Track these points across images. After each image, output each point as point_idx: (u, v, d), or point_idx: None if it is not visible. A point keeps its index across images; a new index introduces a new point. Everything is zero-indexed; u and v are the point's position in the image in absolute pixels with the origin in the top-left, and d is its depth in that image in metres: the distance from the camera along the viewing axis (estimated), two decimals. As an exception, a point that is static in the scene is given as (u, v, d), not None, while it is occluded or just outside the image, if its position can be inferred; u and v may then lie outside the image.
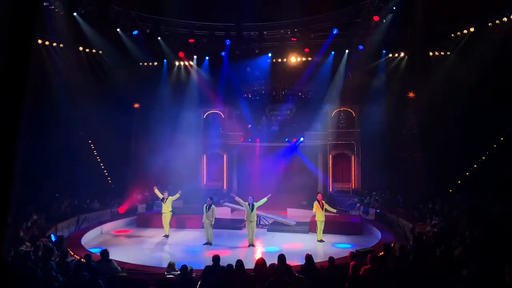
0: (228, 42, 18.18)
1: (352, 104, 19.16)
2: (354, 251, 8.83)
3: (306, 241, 12.72)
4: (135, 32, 16.95)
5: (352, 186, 18.92)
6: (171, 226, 13.44)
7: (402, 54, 18.04)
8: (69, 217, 13.99)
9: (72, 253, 10.04)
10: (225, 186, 20.13)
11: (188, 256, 10.88)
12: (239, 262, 6.81)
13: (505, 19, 14.61)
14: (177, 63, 20.12)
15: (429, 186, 15.84)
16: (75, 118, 17.21)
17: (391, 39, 16.87)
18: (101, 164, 18.83)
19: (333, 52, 18.40)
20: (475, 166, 15.93)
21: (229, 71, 19.46)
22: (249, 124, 20.28)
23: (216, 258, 7.24)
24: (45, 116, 15.49)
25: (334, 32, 17.00)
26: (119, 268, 7.77)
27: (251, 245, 12.00)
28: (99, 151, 18.95)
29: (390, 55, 18.18)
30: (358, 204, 16.22)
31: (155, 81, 19.45)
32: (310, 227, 13.63)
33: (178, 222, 14.24)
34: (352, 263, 6.98)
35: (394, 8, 15.37)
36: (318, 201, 12.73)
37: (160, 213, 13.46)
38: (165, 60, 19.66)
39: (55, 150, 15.70)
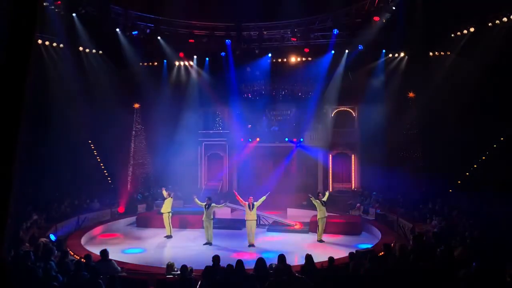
0: (228, 42, 18.18)
1: (352, 104, 19.16)
2: (354, 251, 8.83)
3: (306, 241, 12.72)
4: (135, 32, 16.95)
5: (352, 186, 18.91)
6: (172, 226, 13.44)
7: (402, 54, 18.04)
8: (69, 217, 13.99)
9: (72, 253, 10.04)
10: (225, 186, 20.12)
11: (188, 256, 10.87)
12: (239, 262, 6.81)
13: (505, 19, 14.61)
14: (177, 63, 20.12)
15: (429, 186, 15.83)
16: (75, 118, 17.22)
17: (391, 39, 16.86)
18: (101, 164, 18.83)
19: (333, 52, 18.40)
20: (475, 166, 15.93)
21: (229, 71, 19.46)
22: (249, 124, 20.28)
23: (216, 258, 7.24)
24: (45, 116, 15.49)
25: (334, 32, 17.01)
26: (119, 268, 7.77)
27: (251, 245, 11.99)
28: (99, 151, 18.95)
29: (390, 55, 18.18)
30: (358, 204, 16.22)
31: (155, 81, 19.45)
32: (310, 227, 13.63)
33: (178, 222, 14.23)
34: (352, 263, 6.98)
35: (394, 8, 15.37)
36: (319, 200, 12.74)
37: (160, 213, 13.49)
38: (165, 60, 19.67)
39: (55, 150, 15.70)
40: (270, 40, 18.59)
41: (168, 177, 18.24)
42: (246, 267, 6.87)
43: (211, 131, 20.45)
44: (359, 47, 17.66)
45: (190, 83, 20.06)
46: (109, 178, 18.68)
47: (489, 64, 14.51)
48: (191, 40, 18.08)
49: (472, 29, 15.68)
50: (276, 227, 14.14)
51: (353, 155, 19.04)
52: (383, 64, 18.21)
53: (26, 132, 1.13)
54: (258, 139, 19.69)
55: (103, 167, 18.83)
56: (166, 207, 13.31)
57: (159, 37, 17.98)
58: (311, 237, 13.06)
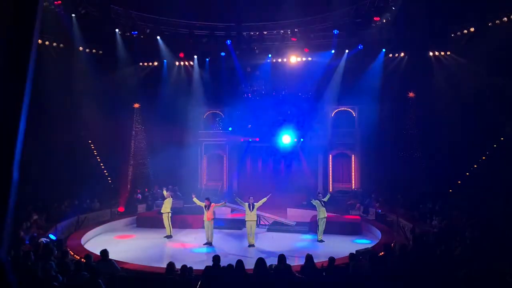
0: (228, 42, 18.18)
1: (352, 104, 19.15)
2: (354, 251, 8.84)
3: (306, 241, 12.72)
4: (135, 32, 16.95)
5: (352, 186, 18.90)
6: (172, 226, 13.44)
7: (402, 54, 18.04)
8: (69, 217, 13.99)
9: (72, 253, 10.04)
10: (225, 186, 20.11)
11: (188, 256, 10.87)
12: (239, 262, 6.81)
13: (505, 19, 14.61)
14: (177, 63, 20.12)
15: (429, 186, 15.83)
16: (75, 118, 17.22)
17: (391, 39, 16.87)
18: (101, 164, 18.83)
19: (333, 52, 18.40)
20: (475, 166, 15.93)
21: (229, 71, 19.45)
22: (249, 124, 20.27)
23: (216, 258, 7.24)
24: (45, 116, 15.48)
25: (334, 32, 17.02)
26: (119, 268, 7.77)
27: (251, 245, 11.99)
28: (99, 151, 18.95)
29: (390, 55, 18.18)
30: (358, 204, 16.21)
31: (155, 81, 19.44)
32: (310, 227, 13.63)
33: (178, 222, 14.23)
34: (352, 263, 6.98)
35: (394, 8, 15.38)
36: (319, 200, 12.75)
37: (160, 213, 13.50)
38: (165, 60, 19.67)
39: (55, 150, 15.69)
40: (270, 40, 18.59)
41: (168, 177, 18.24)
42: (246, 267, 6.87)
43: (211, 131, 20.44)
44: (359, 47, 17.66)
45: (190, 83, 20.05)
46: (109, 178, 18.67)
47: (489, 64, 14.52)
48: (191, 40, 18.08)
49: (472, 29, 15.69)
50: (276, 227, 14.13)
51: (353, 155, 19.03)
52: (383, 64, 18.21)
53: (26, 132, 1.13)
54: (258, 139, 19.68)
55: (103, 167, 18.82)
56: (166, 207, 13.32)
57: (158, 37, 17.98)
58: (311, 237, 13.07)
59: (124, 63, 18.39)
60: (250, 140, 19.64)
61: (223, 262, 7.18)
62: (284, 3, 15.81)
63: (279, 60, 19.35)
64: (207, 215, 12.22)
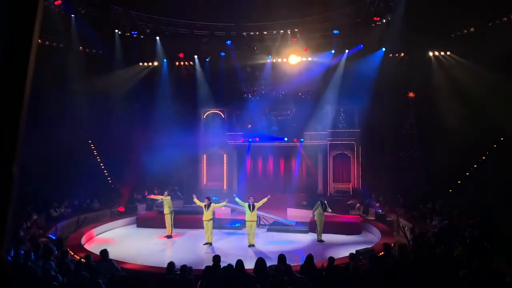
0: (228, 42, 18.18)
1: (352, 104, 19.14)
2: (354, 251, 8.84)
3: (306, 241, 12.72)
4: (135, 32, 16.96)
5: (352, 186, 18.90)
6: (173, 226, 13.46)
7: (402, 54, 18.04)
8: (69, 217, 13.99)
9: (72, 253, 10.04)
10: (225, 186, 20.11)
11: (188, 256, 10.87)
12: (239, 262, 6.81)
13: (505, 19, 14.62)
14: (177, 63, 20.12)
15: (429, 186, 15.83)
16: (75, 118, 17.22)
17: (391, 39, 16.87)
18: (101, 164, 18.84)
19: (332, 52, 18.41)
20: (475, 166, 15.93)
21: (229, 71, 19.46)
22: (249, 124, 20.28)
23: (216, 258, 7.24)
24: (45, 116, 15.48)
25: (334, 32, 17.02)
26: (119, 268, 7.77)
27: (251, 245, 12.00)
28: (99, 151, 18.96)
29: (390, 55, 18.18)
30: (358, 204, 16.22)
31: (155, 81, 19.45)
32: (310, 227, 13.63)
33: (178, 222, 14.23)
34: (352, 263, 6.98)
35: (394, 8, 15.38)
36: (322, 202, 12.74)
37: (160, 213, 13.50)
38: (165, 60, 19.67)
39: (55, 150, 15.69)
40: (270, 40, 18.59)
41: (168, 177, 18.25)
42: (246, 267, 6.87)
43: (211, 131, 20.44)
44: (359, 47, 17.66)
45: (190, 83, 20.05)
46: (109, 178, 18.68)
47: (489, 64, 14.52)
48: (191, 40, 18.09)
49: (472, 29, 15.69)
50: (276, 227, 14.13)
51: (353, 155, 19.02)
52: (383, 64, 18.20)
53: (26, 132, 1.13)
54: (258, 139, 19.70)
55: (103, 167, 18.83)
56: (168, 207, 13.33)
57: (158, 37, 17.99)
58: (311, 237, 13.07)
59: (124, 63, 18.40)
60: (250, 140, 19.66)
61: (223, 262, 7.17)
62: (284, 3, 15.82)
63: (279, 60, 19.35)
64: (206, 215, 12.22)
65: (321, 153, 19.24)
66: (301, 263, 7.51)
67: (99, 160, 18.85)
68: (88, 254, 8.31)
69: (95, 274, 6.10)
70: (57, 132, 16.00)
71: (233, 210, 16.41)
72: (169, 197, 13.64)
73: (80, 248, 10.88)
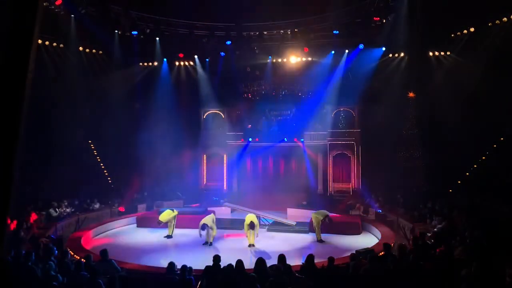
0: (228, 42, 18.18)
1: (352, 104, 19.15)
2: (354, 251, 8.84)
3: (306, 241, 12.72)
4: (135, 32, 16.95)
5: (352, 186, 18.91)
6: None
7: (402, 54, 18.04)
8: (69, 217, 14.00)
9: (72, 253, 10.04)
10: (225, 186, 20.12)
11: (188, 256, 10.88)
12: (239, 262, 6.81)
13: (505, 19, 14.62)
14: (177, 63, 20.13)
15: (429, 186, 15.83)
16: (75, 118, 17.22)
17: (391, 39, 16.87)
18: (101, 164, 18.84)
19: (333, 52, 18.41)
20: (475, 166, 15.93)
21: (229, 71, 19.46)
22: (249, 124, 20.28)
23: (216, 258, 7.25)
24: (45, 116, 15.50)
25: (334, 32, 17.02)
26: (119, 268, 7.77)
27: (251, 245, 12.00)
28: (99, 151, 18.96)
29: (390, 55, 18.18)
30: (358, 204, 16.23)
31: (155, 81, 19.44)
32: (310, 227, 13.62)
33: (178, 222, 14.23)
34: (352, 263, 6.98)
35: (394, 8, 15.38)
36: (327, 217, 12.73)
37: (161, 213, 13.49)
38: (165, 60, 19.67)
39: (55, 150, 15.70)
40: (270, 40, 18.58)
41: (168, 177, 18.25)
42: (246, 267, 6.88)
43: (211, 131, 20.44)
44: (359, 47, 17.66)
45: (190, 83, 20.05)
46: (109, 178, 18.68)
47: (489, 64, 14.52)
48: (191, 40, 18.08)
49: (472, 29, 15.69)
50: (276, 227, 14.13)
51: (353, 155, 19.03)
52: (383, 64, 18.21)
53: (26, 132, 1.13)
54: (257, 139, 19.70)
55: (103, 167, 18.83)
56: (168, 214, 13.30)
57: (158, 37, 17.98)
58: (311, 237, 13.07)
59: (124, 63, 18.39)
60: (250, 140, 19.66)
61: (223, 262, 7.18)
62: (284, 3, 15.82)
63: (279, 60, 19.35)
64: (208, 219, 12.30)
65: (321, 153, 19.25)
66: (301, 263, 7.51)
67: (99, 160, 18.85)
68: (88, 254, 8.31)
69: (95, 274, 6.10)
70: (57, 132, 16.00)
71: (233, 210, 16.42)
72: (176, 212, 13.60)
73: (80, 248, 10.88)
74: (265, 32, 18.10)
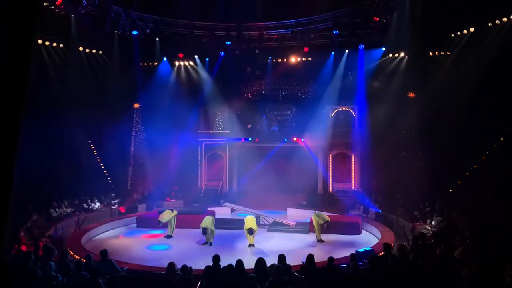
0: (228, 42, 18.18)
1: (352, 104, 19.15)
2: (354, 251, 8.84)
3: (306, 241, 12.72)
4: (135, 32, 16.95)
5: (352, 186, 18.90)
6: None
7: (402, 54, 18.04)
8: (69, 217, 13.99)
9: (72, 253, 10.04)
10: (225, 186, 20.12)
11: (188, 256, 10.88)
12: (239, 262, 6.81)
13: (505, 19, 14.61)
14: (177, 63, 20.13)
15: (429, 186, 15.82)
16: (75, 118, 17.22)
17: (391, 39, 16.87)
18: (101, 164, 18.84)
19: (333, 52, 18.41)
20: (475, 166, 15.93)
21: (229, 71, 19.46)
22: (249, 124, 20.28)
23: (216, 258, 7.25)
24: (45, 116, 15.49)
25: (334, 32, 17.02)
26: (119, 268, 7.78)
27: (251, 245, 12.00)
28: (99, 151, 18.95)
29: (390, 55, 18.18)
30: (358, 204, 16.23)
31: (155, 81, 19.44)
32: (310, 227, 13.63)
33: (178, 222, 14.23)
34: (352, 263, 6.98)
35: (394, 8, 15.38)
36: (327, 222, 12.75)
37: (161, 213, 13.50)
38: (165, 60, 19.67)
39: (55, 150, 15.69)
40: (270, 40, 18.59)
41: (168, 177, 18.25)
42: (246, 267, 6.87)
43: (211, 131, 20.44)
44: (359, 47, 17.66)
45: (190, 83, 20.05)
46: (109, 178, 18.68)
47: (489, 64, 14.51)
48: (191, 40, 18.08)
49: (472, 29, 15.69)
50: (276, 227, 14.13)
51: (353, 155, 19.02)
52: (383, 64, 18.21)
53: (26, 132, 1.13)
54: (257, 139, 19.70)
55: (103, 167, 18.83)
56: (168, 214, 13.32)
57: (158, 38, 17.99)
58: (311, 237, 13.07)
59: (124, 63, 18.39)
60: (250, 140, 19.66)
61: (223, 262, 7.18)
62: (284, 3, 15.83)
63: (279, 60, 19.35)
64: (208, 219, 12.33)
65: (321, 153, 19.25)
66: (301, 263, 7.51)
67: (99, 160, 18.85)
68: (88, 254, 8.30)
69: (95, 274, 6.11)
70: (57, 132, 15.99)
71: (233, 210, 16.42)
72: (176, 212, 13.63)
73: (80, 248, 10.88)
74: (265, 32, 18.10)
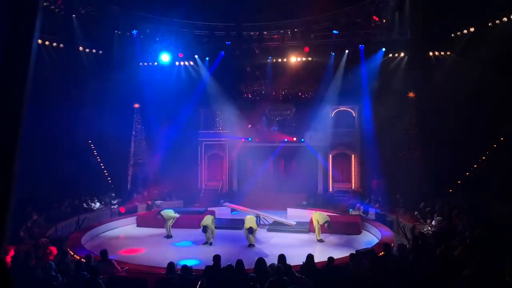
0: (228, 42, 18.18)
1: (352, 104, 19.16)
2: (354, 251, 8.84)
3: (306, 241, 12.72)
4: (135, 32, 16.95)
5: (352, 186, 18.90)
6: (172, 226, 13.44)
7: (402, 54, 18.04)
8: (69, 217, 13.99)
9: (72, 253, 10.04)
10: (225, 186, 20.12)
11: (188, 256, 10.88)
12: (239, 262, 6.81)
13: (505, 19, 14.61)
14: (177, 63, 20.12)
15: (429, 186, 15.83)
16: (75, 118, 17.22)
17: (391, 39, 16.87)
18: (101, 164, 18.83)
19: (333, 53, 18.42)
20: (475, 166, 15.93)
21: (228, 71, 19.45)
22: (249, 124, 20.27)
23: (216, 258, 7.25)
24: (45, 116, 15.48)
25: (334, 32, 17.02)
26: (119, 268, 7.78)
27: (251, 245, 12.00)
28: (99, 151, 18.95)
29: (390, 55, 18.18)
30: (358, 204, 16.22)
31: (155, 81, 19.43)
32: (310, 227, 13.63)
33: (179, 222, 14.23)
34: (352, 263, 6.99)
35: (394, 8, 15.38)
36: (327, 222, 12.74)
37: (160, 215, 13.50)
38: (165, 60, 19.66)
39: (55, 150, 15.69)
40: (270, 40, 18.58)
41: (168, 177, 18.24)
42: (246, 267, 6.87)
43: (211, 131, 20.44)
44: (359, 47, 17.66)
45: (189, 83, 20.05)
46: (109, 178, 18.68)
47: (489, 64, 14.51)
48: (191, 40, 18.08)
49: (472, 29, 15.68)
50: (276, 227, 14.13)
51: (353, 155, 19.03)
52: (383, 64, 18.20)
53: (26, 132, 1.13)
54: (257, 139, 19.68)
55: (103, 167, 18.82)
56: (170, 212, 13.35)
57: (158, 37, 17.99)
58: (311, 237, 13.07)
59: (124, 63, 18.38)
60: (250, 140, 19.65)
61: (223, 262, 7.17)
62: (284, 3, 15.82)
63: (279, 60, 19.35)
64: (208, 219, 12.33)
65: (321, 153, 19.25)
66: (301, 263, 7.51)
67: (99, 160, 18.85)
68: (88, 254, 8.31)
69: (95, 274, 6.10)
70: (57, 132, 15.99)
71: (233, 210, 16.42)
72: (177, 215, 13.65)
73: (80, 248, 10.88)
74: (265, 32, 18.10)
